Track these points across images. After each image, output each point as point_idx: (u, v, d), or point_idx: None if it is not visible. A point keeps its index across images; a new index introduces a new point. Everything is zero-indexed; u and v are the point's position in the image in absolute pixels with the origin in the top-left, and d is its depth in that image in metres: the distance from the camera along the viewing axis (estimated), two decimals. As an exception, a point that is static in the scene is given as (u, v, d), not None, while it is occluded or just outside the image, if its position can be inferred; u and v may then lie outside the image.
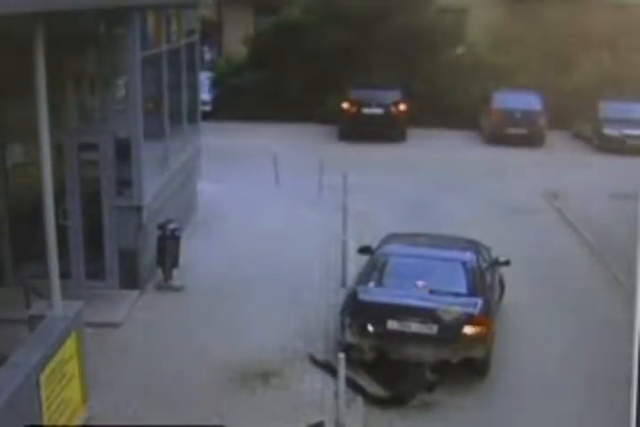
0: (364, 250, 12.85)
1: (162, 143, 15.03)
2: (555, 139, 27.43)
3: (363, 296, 11.05)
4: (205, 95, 27.03)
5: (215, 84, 30.93)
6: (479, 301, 10.94)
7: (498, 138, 27.20)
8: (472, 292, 11.11)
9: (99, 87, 12.94)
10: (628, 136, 26.21)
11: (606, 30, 28.76)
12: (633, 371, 5.01)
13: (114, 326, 11.89)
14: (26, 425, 7.67)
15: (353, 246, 13.73)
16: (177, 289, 13.44)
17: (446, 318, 10.49)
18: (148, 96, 13.73)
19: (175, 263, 13.60)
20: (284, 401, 10.10)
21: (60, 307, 9.00)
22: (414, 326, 10.54)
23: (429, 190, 20.50)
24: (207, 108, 26.90)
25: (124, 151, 12.73)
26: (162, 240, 13.42)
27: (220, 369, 10.80)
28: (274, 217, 17.45)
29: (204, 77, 26.95)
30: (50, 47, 8.71)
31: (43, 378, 8.06)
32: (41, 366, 8.06)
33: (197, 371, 10.77)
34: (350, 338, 10.79)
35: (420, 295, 10.92)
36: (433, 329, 10.51)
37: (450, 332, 10.49)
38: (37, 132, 8.70)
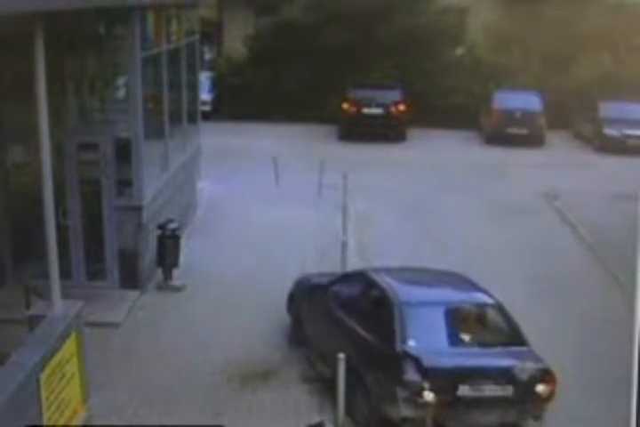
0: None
1: (162, 143, 15.03)
2: (555, 139, 27.42)
3: (427, 362, 9.24)
4: (205, 95, 27.03)
5: (215, 83, 30.92)
6: (533, 350, 9.85)
7: (498, 138, 27.19)
8: (518, 340, 9.96)
9: (99, 87, 12.96)
10: (629, 136, 26.21)
11: (606, 30, 28.76)
12: (633, 371, 5.01)
13: (114, 326, 11.89)
14: (26, 425, 7.67)
15: (353, 246, 13.74)
16: (177, 289, 13.44)
17: (523, 376, 9.36)
18: (148, 96, 13.73)
19: (175, 263, 13.60)
20: (284, 401, 10.11)
21: (60, 307, 9.00)
22: (488, 389, 9.29)
23: (429, 190, 20.50)
24: (207, 108, 26.90)
25: (124, 151, 12.72)
26: (162, 240, 13.42)
27: (220, 369, 10.80)
28: (274, 217, 17.44)
29: (204, 77, 26.94)
30: (50, 47, 8.71)
31: (43, 378, 8.06)
32: (41, 366, 8.05)
33: (197, 371, 10.77)
34: (407, 411, 9.20)
35: (486, 354, 9.80)
36: (508, 391, 9.33)
37: (525, 392, 9.37)
38: (37, 132, 8.70)
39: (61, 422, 8.53)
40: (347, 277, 11.58)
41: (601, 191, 20.18)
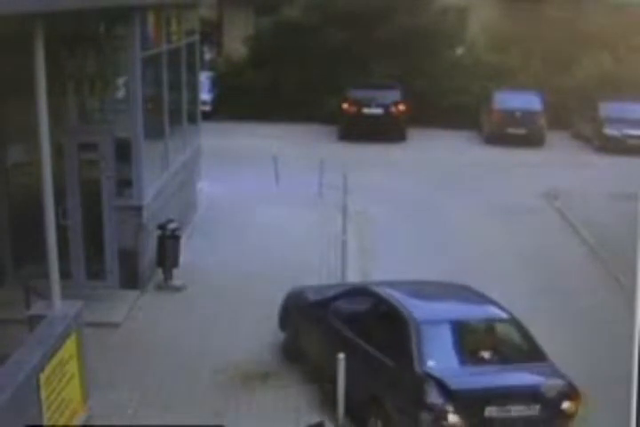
0: None
1: (162, 143, 15.03)
2: (555, 139, 27.42)
3: (451, 383, 8.81)
4: (205, 95, 27.02)
5: (215, 83, 30.92)
6: (554, 365, 9.52)
7: (498, 138, 27.19)
8: (537, 355, 9.59)
9: (99, 87, 12.95)
10: (629, 136, 26.21)
11: (606, 30, 28.76)
12: (633, 371, 5.01)
13: (114, 326, 11.89)
14: (26, 425, 7.67)
15: (353, 246, 13.73)
16: (177, 289, 13.44)
17: (549, 394, 9.04)
18: (148, 96, 13.73)
19: (175, 263, 13.59)
20: (284, 401, 10.11)
21: (59, 307, 9.01)
22: (515, 410, 8.90)
23: (429, 190, 20.50)
24: (207, 108, 26.90)
25: (124, 151, 12.72)
26: (162, 240, 13.41)
27: (220, 369, 10.80)
28: (274, 217, 17.45)
29: (204, 77, 26.94)
30: (50, 47, 8.71)
31: (43, 378, 8.06)
32: (41, 366, 8.06)
33: (197, 371, 10.77)
34: None
35: (509, 372, 9.39)
36: (535, 410, 8.98)
37: (551, 410, 9.06)
38: (37, 132, 8.70)
39: (61, 422, 8.54)
40: (349, 293, 10.96)
41: (601, 191, 20.17)
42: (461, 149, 26.30)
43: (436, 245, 16.31)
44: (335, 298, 10.90)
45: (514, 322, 9.89)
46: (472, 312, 10.34)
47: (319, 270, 14.42)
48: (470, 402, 8.78)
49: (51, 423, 8.24)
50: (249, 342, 11.61)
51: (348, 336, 10.13)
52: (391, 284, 11.06)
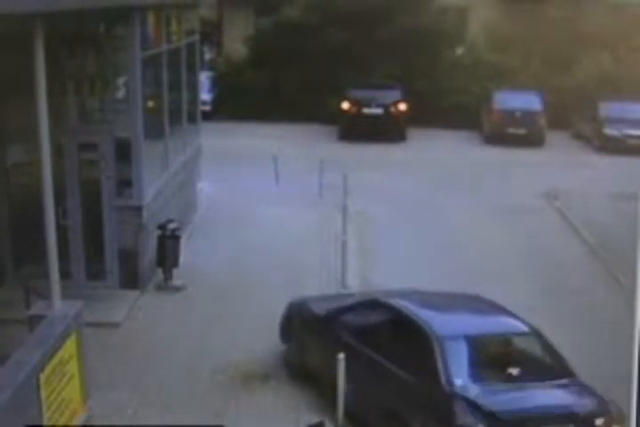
0: None
1: (162, 143, 15.03)
2: (555, 139, 27.42)
3: (483, 403, 8.35)
4: (205, 95, 27.02)
5: (215, 83, 30.92)
6: (582, 381, 9.15)
7: (498, 138, 27.19)
8: (565, 371, 9.16)
9: (99, 87, 12.95)
10: (629, 136, 26.21)
11: (606, 30, 28.76)
12: (633, 371, 5.01)
13: (114, 326, 11.89)
14: (26, 425, 7.67)
15: (353, 246, 13.72)
16: (177, 289, 13.44)
17: (583, 413, 8.68)
18: (148, 96, 13.73)
19: (175, 263, 13.59)
20: (284, 401, 10.11)
21: (59, 307, 9.01)
22: None
23: (429, 190, 20.50)
24: (207, 108, 26.90)
25: (124, 151, 12.72)
26: (162, 240, 13.41)
27: (220, 369, 10.80)
28: (274, 217, 17.45)
29: (204, 77, 26.94)
30: (50, 47, 8.71)
31: (43, 378, 8.06)
32: (41, 366, 8.06)
33: (197, 371, 10.77)
34: None
35: (540, 389, 8.91)
36: None
37: None
38: (37, 132, 8.70)
39: (61, 422, 8.54)
40: (359, 305, 10.42)
41: (601, 191, 20.17)
42: (461, 149, 26.30)
43: (436, 245, 16.31)
44: (343, 310, 10.41)
45: (537, 335, 9.47)
46: (493, 325, 9.81)
47: (319, 270, 14.43)
48: (504, 424, 8.30)
49: (51, 423, 8.24)
50: (249, 342, 11.60)
51: (360, 350, 9.69)
52: (401, 294, 10.56)
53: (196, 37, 18.21)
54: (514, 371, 8.80)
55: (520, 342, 9.50)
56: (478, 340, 9.25)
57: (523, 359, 9.33)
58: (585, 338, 12.25)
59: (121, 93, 13.25)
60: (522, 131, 27.10)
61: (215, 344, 11.54)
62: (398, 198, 19.55)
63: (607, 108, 26.84)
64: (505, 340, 9.45)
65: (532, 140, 27.08)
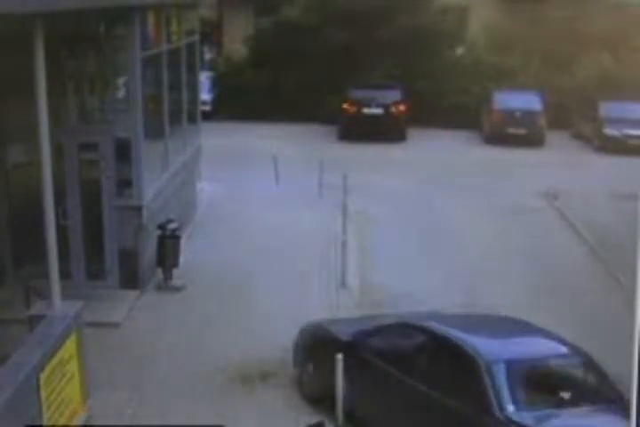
0: None
1: (162, 143, 15.03)
2: (555, 139, 27.43)
3: None
4: (205, 95, 27.04)
5: (215, 83, 30.93)
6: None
7: (498, 138, 27.20)
8: (616, 395, 8.49)
9: (99, 87, 12.96)
10: (629, 136, 26.22)
11: (606, 30, 28.76)
12: (633, 371, 5.01)
13: (114, 326, 11.89)
14: (26, 425, 7.67)
15: (353, 246, 13.71)
16: (177, 289, 13.44)
17: None
18: (148, 96, 13.73)
19: (175, 263, 13.59)
20: (284, 401, 10.11)
21: (59, 307, 9.01)
22: None
23: (429, 190, 20.50)
24: (207, 108, 26.92)
25: (123, 151, 12.72)
26: (162, 240, 13.41)
27: (220, 369, 10.80)
28: (274, 217, 17.45)
29: (204, 77, 26.95)
30: (50, 47, 8.71)
31: (43, 378, 8.06)
32: (41, 366, 8.06)
33: (197, 371, 10.77)
34: None
35: (596, 416, 8.38)
36: None
37: None
38: (37, 132, 8.70)
39: (61, 422, 8.54)
40: (387, 329, 9.82)
41: (601, 191, 20.18)
42: (461, 149, 26.31)
43: (436, 245, 16.32)
44: (370, 334, 9.85)
45: (581, 355, 9.01)
46: (536, 347, 9.28)
47: (319, 270, 14.42)
48: None
49: (51, 423, 8.24)
50: (249, 341, 11.60)
51: (392, 375, 9.18)
52: (432, 316, 10.17)
53: (196, 37, 18.21)
54: (565, 395, 8.30)
55: (566, 364, 9.06)
56: (524, 363, 8.75)
57: (570, 382, 8.88)
58: (585, 338, 12.23)
59: (121, 93, 13.25)
60: (522, 131, 27.12)
61: (215, 344, 11.54)
62: (398, 198, 19.55)
63: (607, 108, 26.85)
64: (550, 362, 9.01)
65: (532, 140, 27.09)
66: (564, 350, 9.03)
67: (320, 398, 10.06)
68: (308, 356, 10.46)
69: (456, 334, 9.07)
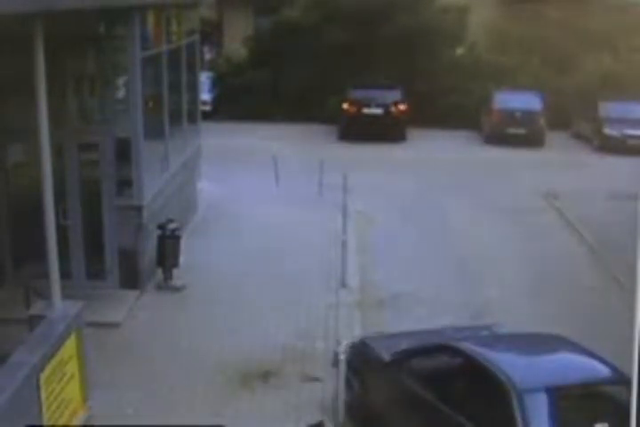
0: None
1: (162, 143, 15.03)
2: (555, 139, 27.43)
3: None
4: (205, 95, 27.05)
5: (215, 83, 30.95)
6: None
7: (498, 138, 27.21)
8: None
9: (99, 87, 12.94)
10: (629, 136, 26.22)
11: (606, 30, 28.79)
12: (633, 371, 5.01)
13: (114, 326, 11.89)
14: (26, 425, 7.67)
15: (353, 246, 13.71)
16: (177, 289, 13.44)
17: None
18: (148, 96, 13.73)
19: (175, 263, 13.59)
20: (283, 401, 10.11)
21: (60, 307, 9.00)
22: None
23: (429, 190, 20.51)
24: (207, 108, 26.94)
25: (123, 151, 12.72)
26: (162, 240, 13.42)
27: (219, 369, 10.80)
28: (274, 217, 17.45)
29: (204, 77, 26.96)
30: (50, 47, 8.71)
31: (43, 378, 8.06)
32: (41, 366, 8.06)
33: (197, 371, 10.77)
34: None
35: None
36: None
37: None
38: (37, 132, 8.70)
39: (61, 422, 8.54)
40: (427, 350, 9.34)
41: (601, 191, 20.18)
42: (461, 149, 26.32)
43: (436, 246, 16.32)
44: (410, 354, 9.38)
45: (628, 383, 8.58)
46: (579, 372, 8.56)
47: (319, 270, 14.42)
48: None
49: (51, 423, 8.24)
50: (249, 341, 11.60)
51: (425, 400, 8.70)
52: (477, 338, 9.64)
53: (196, 37, 18.21)
54: (602, 426, 7.62)
55: (609, 391, 8.32)
56: (562, 390, 8.02)
57: (612, 411, 7.97)
58: (584, 338, 12.23)
59: (121, 93, 13.24)
60: (522, 131, 27.12)
61: (215, 344, 11.54)
62: (398, 198, 19.56)
63: (607, 108, 26.86)
64: (592, 389, 8.33)
65: (532, 141, 27.09)
66: (609, 376, 8.35)
67: (364, 418, 9.71)
68: (353, 374, 9.98)
69: (491, 357, 8.45)
